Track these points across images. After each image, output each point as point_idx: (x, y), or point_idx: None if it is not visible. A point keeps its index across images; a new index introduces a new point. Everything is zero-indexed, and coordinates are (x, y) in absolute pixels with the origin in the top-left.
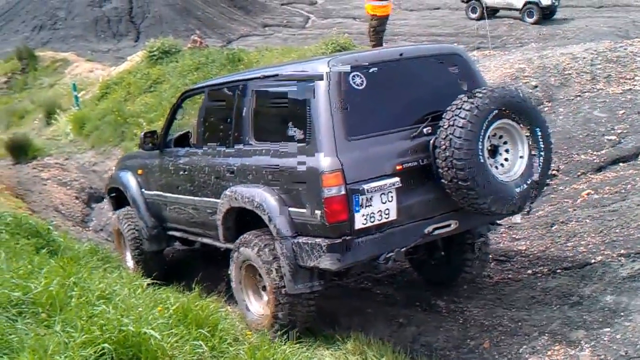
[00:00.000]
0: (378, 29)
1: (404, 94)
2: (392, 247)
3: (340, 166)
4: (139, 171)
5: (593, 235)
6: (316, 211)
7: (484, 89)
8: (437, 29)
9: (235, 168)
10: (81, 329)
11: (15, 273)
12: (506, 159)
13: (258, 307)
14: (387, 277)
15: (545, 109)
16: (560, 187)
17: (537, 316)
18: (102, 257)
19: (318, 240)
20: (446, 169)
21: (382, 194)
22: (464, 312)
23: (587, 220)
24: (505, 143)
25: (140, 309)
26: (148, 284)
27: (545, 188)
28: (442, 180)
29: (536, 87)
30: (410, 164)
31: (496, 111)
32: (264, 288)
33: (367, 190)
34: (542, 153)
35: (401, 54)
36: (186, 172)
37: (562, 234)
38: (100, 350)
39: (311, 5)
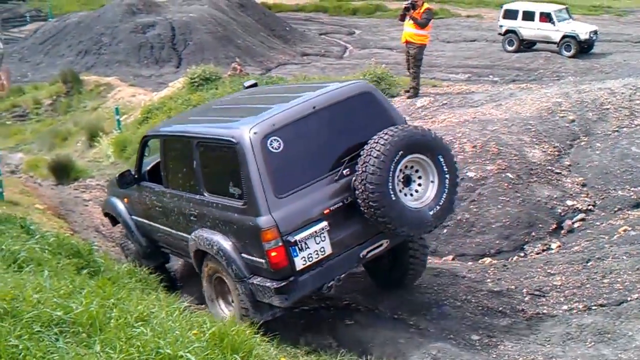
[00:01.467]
0: (418, 57)
1: (322, 143)
2: (333, 276)
3: (274, 223)
4: (125, 199)
5: (630, 272)
6: (261, 259)
7: (387, 134)
8: (473, 61)
9: (196, 214)
10: (120, 350)
11: (57, 292)
12: (420, 185)
13: (228, 312)
14: (421, 308)
15: (582, 143)
16: (597, 223)
17: (572, 353)
18: (140, 279)
19: (267, 283)
20: (365, 208)
21: (315, 237)
22: (498, 347)
23: (624, 257)
24: (417, 171)
25: (177, 332)
26: (185, 307)
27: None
28: (365, 215)
29: (573, 121)
30: (336, 205)
31: (401, 152)
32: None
33: (299, 240)
34: (447, 176)
35: (314, 107)
36: (160, 209)
37: (598, 270)
38: None
39: (349, 35)
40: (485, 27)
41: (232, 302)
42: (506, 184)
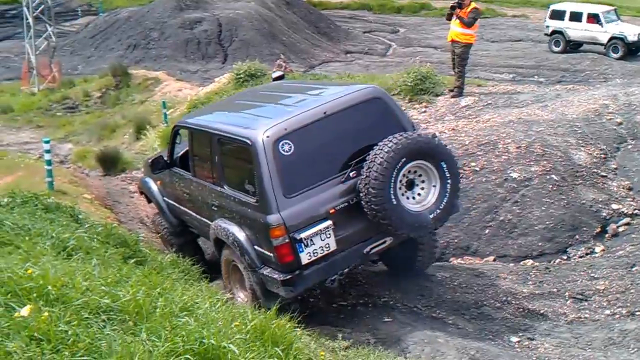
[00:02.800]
0: (463, 56)
1: (331, 146)
2: (337, 271)
3: (282, 221)
4: (159, 182)
5: None
6: (270, 253)
7: (391, 141)
8: (518, 61)
9: (217, 204)
10: (165, 339)
11: (105, 281)
12: (422, 189)
13: (243, 296)
14: (460, 307)
15: (629, 146)
16: None
17: (614, 358)
18: (183, 270)
19: (275, 275)
20: (368, 210)
21: (320, 234)
22: (538, 349)
23: None
24: (420, 176)
25: (220, 323)
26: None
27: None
28: (368, 216)
29: (621, 124)
30: (342, 205)
31: (404, 159)
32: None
33: (305, 237)
34: (449, 181)
35: (325, 112)
36: (188, 195)
37: None
38: None
39: (393, 33)
40: (531, 27)
41: (247, 288)
42: (550, 186)
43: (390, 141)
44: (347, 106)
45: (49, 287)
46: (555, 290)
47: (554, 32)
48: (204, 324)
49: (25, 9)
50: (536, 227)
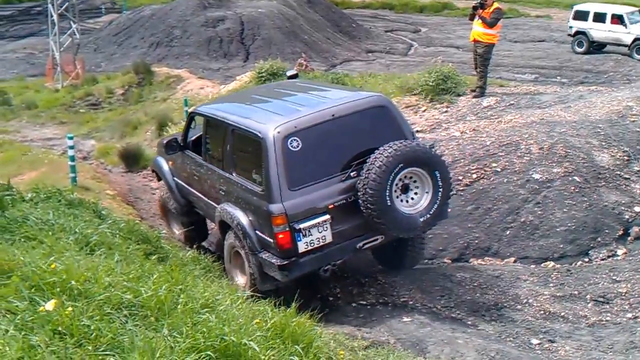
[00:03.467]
0: (485, 57)
1: (336, 147)
2: (330, 261)
3: (284, 211)
4: (170, 162)
5: None
6: (270, 239)
7: (392, 147)
8: (541, 61)
9: (224, 189)
10: (186, 335)
11: (127, 276)
12: (416, 194)
13: (242, 279)
14: (480, 309)
15: None
16: None
17: None
18: (204, 266)
19: (273, 259)
20: (364, 208)
21: (318, 226)
22: (558, 352)
23: None
24: (415, 182)
25: (240, 320)
26: (247, 297)
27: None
28: (363, 214)
29: None
30: (340, 201)
31: (401, 164)
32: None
33: (304, 228)
34: (441, 190)
35: (333, 115)
36: (198, 178)
37: None
38: (203, 358)
39: (415, 33)
40: (554, 27)
41: (246, 272)
42: (573, 188)
43: (390, 147)
44: (354, 111)
45: (73, 282)
46: (576, 292)
47: (578, 32)
48: (225, 321)
49: (50, 6)
50: (558, 229)
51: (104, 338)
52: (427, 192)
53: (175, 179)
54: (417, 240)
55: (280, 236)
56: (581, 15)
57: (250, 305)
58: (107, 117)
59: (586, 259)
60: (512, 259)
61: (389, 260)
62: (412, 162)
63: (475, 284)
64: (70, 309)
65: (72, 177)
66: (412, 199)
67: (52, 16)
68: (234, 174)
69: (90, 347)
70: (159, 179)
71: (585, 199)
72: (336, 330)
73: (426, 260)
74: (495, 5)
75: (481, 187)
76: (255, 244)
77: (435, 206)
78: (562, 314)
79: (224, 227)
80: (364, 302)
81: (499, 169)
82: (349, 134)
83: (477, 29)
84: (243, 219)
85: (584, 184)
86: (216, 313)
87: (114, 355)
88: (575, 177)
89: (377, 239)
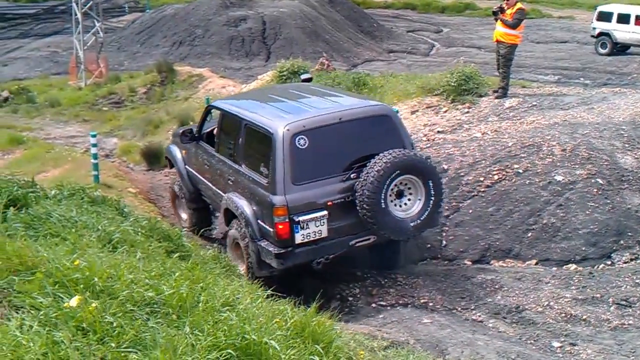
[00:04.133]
0: (508, 57)
1: (339, 148)
2: (324, 255)
3: (285, 203)
4: (184, 151)
5: None
6: (270, 228)
7: (391, 154)
8: (564, 63)
9: (232, 179)
10: (207, 333)
11: (149, 274)
12: (409, 200)
13: (242, 267)
14: (501, 311)
15: None
16: None
17: None
18: (224, 265)
19: (271, 248)
20: (360, 209)
21: (315, 221)
22: (580, 355)
23: None
24: (409, 189)
25: (260, 319)
26: (267, 296)
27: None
28: (359, 214)
29: None
30: (338, 200)
31: (398, 171)
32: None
33: (302, 220)
34: (432, 198)
35: (340, 119)
36: (208, 167)
37: None
38: (224, 356)
39: (437, 33)
40: (578, 28)
41: (244, 260)
42: (595, 190)
43: (390, 154)
44: (359, 117)
45: (95, 279)
46: (598, 295)
47: (601, 34)
48: (245, 320)
49: (74, 4)
50: (580, 232)
51: (126, 335)
52: (419, 200)
53: (186, 167)
54: (408, 243)
55: (280, 226)
56: (605, 16)
57: (271, 304)
58: (130, 116)
59: (608, 262)
60: (534, 261)
61: (381, 260)
62: (408, 170)
63: (497, 286)
64: (94, 305)
65: (95, 174)
66: (406, 204)
67: (76, 15)
68: (243, 166)
69: (113, 344)
70: (171, 167)
71: (608, 201)
72: (356, 330)
73: (447, 262)
74: (518, 5)
75: (503, 189)
76: (256, 232)
77: (426, 213)
78: (584, 317)
79: (228, 215)
80: (384, 303)
81: (520, 171)
82: (352, 138)
83: (500, 29)
84: (247, 208)
85: (607, 187)
86: (237, 312)
87: (136, 352)
88: (598, 179)
89: (369, 239)
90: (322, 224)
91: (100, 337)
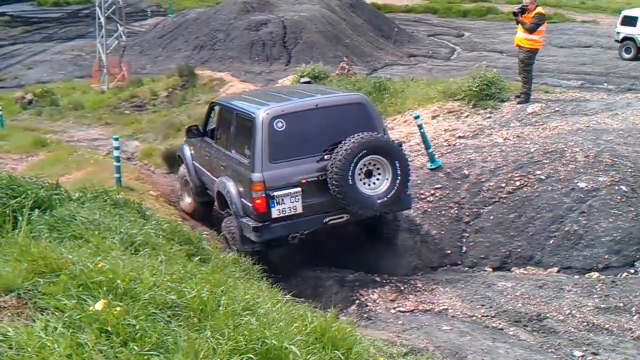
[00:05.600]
0: (527, 62)
1: (315, 132)
2: (298, 230)
3: (262, 179)
4: (192, 148)
5: None
6: (250, 204)
7: (359, 136)
8: (587, 67)
9: (224, 165)
10: (228, 337)
11: (170, 277)
12: (377, 179)
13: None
14: (522, 319)
15: None
16: None
17: None
18: (244, 269)
19: (250, 222)
20: (330, 185)
21: (290, 196)
22: None
23: None
24: (378, 169)
25: (281, 324)
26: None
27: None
28: (330, 191)
29: None
30: (312, 178)
31: (365, 151)
32: None
33: (278, 195)
34: (399, 178)
35: (316, 105)
36: (208, 158)
37: None
38: None
39: (458, 37)
40: (601, 33)
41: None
42: (619, 197)
43: (359, 135)
44: (334, 104)
45: (118, 282)
46: (621, 304)
47: (625, 38)
48: (266, 324)
49: (97, 9)
50: (603, 239)
51: (149, 338)
52: (387, 179)
53: (194, 162)
54: (389, 223)
55: (258, 201)
56: (629, 21)
57: (290, 309)
58: (151, 119)
59: (632, 270)
60: (556, 268)
61: (372, 234)
62: (375, 151)
63: (517, 294)
64: (119, 308)
65: (117, 177)
66: (374, 183)
67: (99, 19)
68: (232, 151)
69: (136, 347)
70: (181, 163)
71: (632, 209)
72: (375, 336)
73: (467, 268)
74: (538, 10)
75: (524, 195)
76: (239, 210)
77: (393, 191)
78: (606, 326)
79: (220, 197)
80: (403, 309)
81: (543, 177)
82: (328, 123)
83: (520, 34)
84: (233, 188)
85: (631, 194)
86: (257, 316)
87: (158, 355)
88: (622, 187)
89: (342, 217)
90: (297, 200)
91: (124, 340)
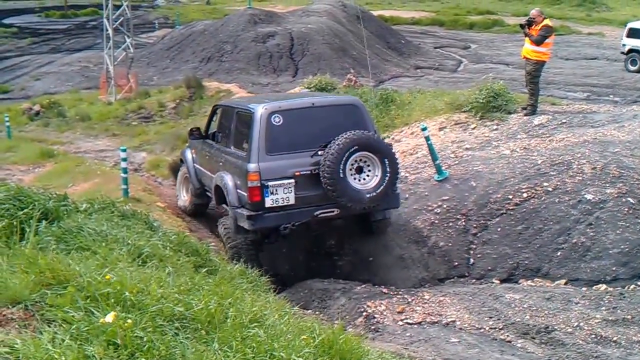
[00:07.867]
0: (534, 74)
1: (310, 129)
2: (290, 221)
3: (258, 170)
4: (193, 150)
5: None
6: (245, 193)
7: (351, 133)
8: (593, 79)
9: (223, 160)
10: (236, 350)
11: (178, 289)
12: (367, 175)
13: None
14: (530, 331)
15: None
16: None
17: None
18: (251, 280)
19: (244, 212)
20: (322, 177)
21: (283, 188)
22: None
23: None
24: (368, 165)
25: (288, 336)
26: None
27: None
28: (322, 184)
29: None
30: (305, 171)
31: (356, 147)
32: None
33: (272, 185)
34: (388, 174)
35: (313, 104)
36: (208, 158)
37: None
38: None
39: (464, 49)
40: (607, 45)
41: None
42: (626, 209)
43: (351, 132)
44: (330, 104)
45: (126, 293)
46: (629, 317)
47: (631, 50)
48: (273, 336)
49: (105, 20)
50: (610, 251)
51: (157, 350)
52: (376, 175)
53: (195, 165)
54: (379, 217)
55: (252, 190)
56: (635, 33)
57: (298, 321)
58: (159, 130)
59: (639, 282)
60: (563, 280)
61: (365, 227)
62: (366, 147)
63: (525, 306)
64: (130, 321)
65: (124, 188)
66: (364, 179)
67: (107, 30)
68: (231, 147)
69: (143, 359)
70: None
71: (639, 220)
72: (382, 348)
73: (474, 280)
74: (545, 22)
75: (532, 207)
76: (235, 200)
77: (382, 187)
78: (615, 338)
79: (218, 191)
80: (411, 321)
81: (550, 189)
82: (323, 121)
83: (527, 46)
84: (230, 181)
85: (638, 206)
86: (264, 328)
87: None
88: (629, 199)
89: (333, 211)
90: (290, 191)
91: (131, 352)
